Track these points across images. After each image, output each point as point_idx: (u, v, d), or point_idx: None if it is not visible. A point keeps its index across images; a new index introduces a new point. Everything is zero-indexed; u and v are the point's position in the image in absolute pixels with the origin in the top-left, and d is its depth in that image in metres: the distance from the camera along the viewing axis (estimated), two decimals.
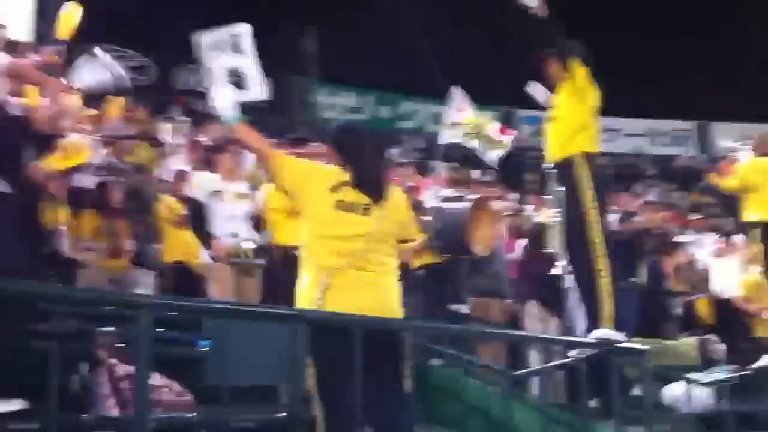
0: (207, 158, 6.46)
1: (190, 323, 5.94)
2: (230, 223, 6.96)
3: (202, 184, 6.18)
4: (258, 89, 4.22)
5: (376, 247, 3.66)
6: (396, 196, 3.86)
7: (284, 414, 3.98)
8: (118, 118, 8.81)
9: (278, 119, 26.48)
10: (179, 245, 7.11)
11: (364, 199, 3.69)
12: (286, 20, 29.70)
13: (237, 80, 4.18)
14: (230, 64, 4.17)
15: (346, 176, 3.71)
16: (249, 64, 4.19)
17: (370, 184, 3.72)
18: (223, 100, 4.02)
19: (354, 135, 3.95)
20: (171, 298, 4.93)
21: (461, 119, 7.95)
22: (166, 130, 10.19)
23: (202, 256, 6.87)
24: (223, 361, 3.20)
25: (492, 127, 7.57)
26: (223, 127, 4.25)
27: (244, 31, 4.25)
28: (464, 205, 7.33)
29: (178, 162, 9.18)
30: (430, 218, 7.24)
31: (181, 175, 7.64)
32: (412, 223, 4.02)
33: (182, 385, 3.81)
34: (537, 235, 8.56)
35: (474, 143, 7.74)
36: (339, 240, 3.62)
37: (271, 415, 4.19)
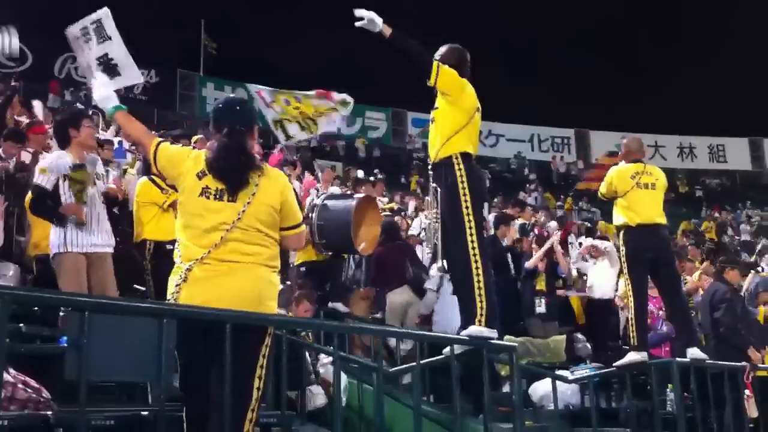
0: (60, 136, 6.02)
1: (56, 319, 5.74)
2: None
3: (50, 168, 5.76)
4: (132, 73, 4.17)
5: (241, 236, 3.51)
6: (270, 180, 3.65)
7: (147, 412, 3.89)
8: None
9: (163, 112, 26.00)
10: (46, 238, 6.79)
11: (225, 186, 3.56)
12: (175, 13, 29.20)
13: (111, 67, 4.13)
14: (99, 52, 4.13)
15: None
16: (116, 48, 4.14)
17: (225, 167, 3.55)
18: (101, 90, 4.01)
19: (221, 113, 3.77)
20: (30, 290, 4.70)
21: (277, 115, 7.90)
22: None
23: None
24: (84, 357, 3.07)
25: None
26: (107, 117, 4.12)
27: (103, 15, 4.18)
28: (349, 202, 7.39)
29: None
30: (314, 214, 7.29)
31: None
32: (292, 209, 3.74)
33: (42, 382, 3.63)
34: (391, 228, 8.68)
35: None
36: (201, 229, 3.51)
37: (133, 413, 4.07)
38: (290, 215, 3.72)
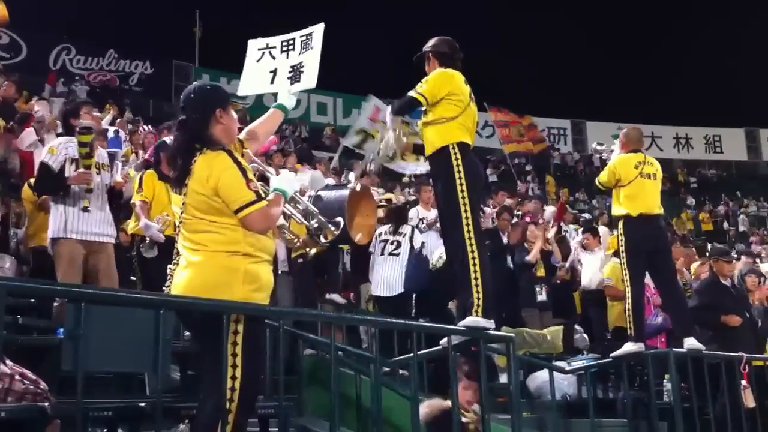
0: (65, 126, 6.09)
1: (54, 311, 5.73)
2: None
3: (59, 149, 5.78)
4: (310, 79, 4.46)
5: (189, 225, 3.52)
6: (198, 166, 3.50)
7: (145, 403, 3.88)
8: None
9: (159, 104, 25.90)
10: (44, 230, 6.77)
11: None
12: (170, 4, 29.08)
13: (297, 75, 4.53)
14: (295, 60, 4.58)
15: None
16: (313, 57, 4.52)
17: (171, 166, 3.63)
18: (286, 97, 4.42)
19: (182, 105, 3.69)
20: (26, 282, 4.68)
21: (370, 128, 7.97)
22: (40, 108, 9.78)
23: None
24: (81, 348, 3.06)
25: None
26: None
27: (318, 29, 4.60)
28: (343, 192, 7.37)
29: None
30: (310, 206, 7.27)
31: None
32: (231, 190, 3.45)
33: (39, 373, 3.62)
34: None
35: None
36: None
37: (131, 404, 4.06)
38: (230, 198, 3.46)
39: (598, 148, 7.76)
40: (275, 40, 4.74)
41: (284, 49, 4.66)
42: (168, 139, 7.89)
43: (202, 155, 3.52)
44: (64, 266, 5.60)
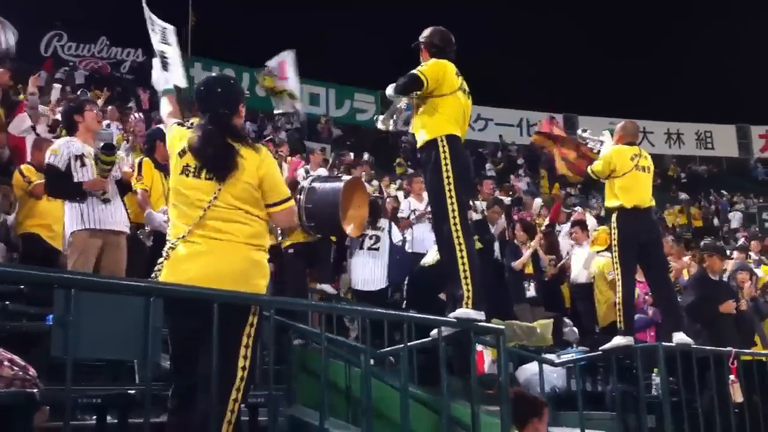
0: (68, 124, 6.15)
1: (46, 298, 5.71)
2: None
3: (61, 149, 5.84)
4: (178, 78, 4.43)
5: (220, 214, 3.46)
6: (246, 158, 3.55)
7: (134, 390, 3.88)
8: None
9: (152, 93, 25.78)
10: (34, 216, 6.75)
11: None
12: None
13: (165, 63, 4.44)
14: (159, 48, 4.48)
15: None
16: (172, 53, 4.52)
17: (209, 163, 3.50)
18: (155, 73, 4.32)
19: (203, 97, 3.71)
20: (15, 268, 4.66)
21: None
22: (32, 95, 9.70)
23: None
24: (71, 334, 3.04)
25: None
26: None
27: (170, 29, 4.63)
28: (337, 185, 7.37)
29: (41, 129, 8.79)
30: (302, 197, 7.27)
31: (38, 143, 7.26)
32: (274, 184, 3.62)
33: (28, 360, 3.60)
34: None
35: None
36: (184, 207, 3.50)
37: (120, 391, 4.05)
38: (272, 191, 3.61)
39: (584, 135, 7.76)
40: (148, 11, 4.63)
41: (150, 27, 4.59)
42: (163, 126, 7.87)
43: (246, 147, 3.56)
44: (75, 257, 5.67)
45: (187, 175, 3.52)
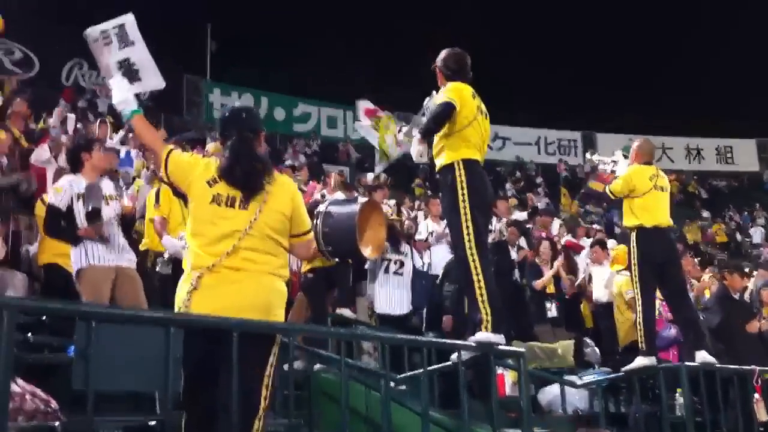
0: (73, 161, 6.03)
1: (67, 329, 5.74)
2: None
3: (64, 188, 5.76)
4: (153, 78, 4.16)
5: (252, 243, 3.49)
6: (280, 187, 3.63)
7: (154, 421, 3.89)
8: None
9: (170, 118, 26.08)
10: (54, 246, 6.81)
11: (238, 193, 3.54)
12: (182, 18, 29.25)
13: (132, 72, 4.12)
14: (120, 56, 4.12)
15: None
16: (139, 53, 4.13)
17: (239, 174, 3.54)
18: (120, 93, 3.99)
19: (228, 121, 3.77)
20: (37, 301, 4.71)
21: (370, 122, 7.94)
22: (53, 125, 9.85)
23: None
24: (91, 367, 3.07)
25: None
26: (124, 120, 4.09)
27: (127, 20, 4.18)
28: (353, 208, 7.38)
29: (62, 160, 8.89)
30: (319, 222, 7.29)
31: (60, 174, 7.35)
32: (302, 215, 3.72)
33: (49, 392, 3.64)
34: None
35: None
36: (212, 237, 3.49)
37: (140, 422, 4.07)
38: (300, 222, 3.71)
39: (594, 158, 7.77)
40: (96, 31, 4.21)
41: (105, 41, 4.19)
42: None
43: (276, 175, 3.66)
44: (88, 293, 5.62)
45: (219, 205, 3.53)
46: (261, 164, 3.62)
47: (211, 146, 9.34)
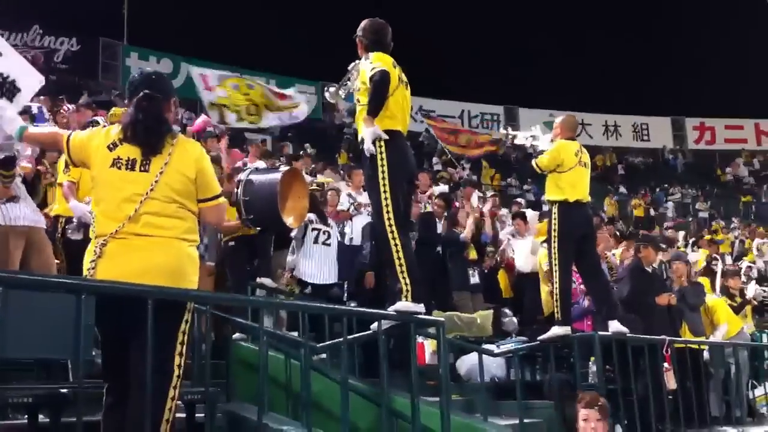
0: None
1: None
2: None
3: None
4: (32, 80, 4.07)
5: (155, 207, 3.39)
6: (183, 149, 3.51)
7: (66, 389, 3.79)
8: None
9: (85, 81, 25.23)
10: None
11: (138, 154, 3.44)
12: None
13: (9, 88, 4.04)
14: None
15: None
16: (9, 62, 4.02)
17: (140, 129, 3.43)
18: (9, 118, 3.91)
19: (138, 83, 3.62)
20: None
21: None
22: None
23: None
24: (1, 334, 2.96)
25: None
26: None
27: None
28: (275, 176, 7.29)
29: None
30: (240, 190, 7.18)
31: None
32: (209, 179, 3.60)
33: None
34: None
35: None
36: (113, 202, 3.39)
37: (52, 390, 3.95)
38: (207, 186, 3.59)
39: (509, 132, 7.90)
40: None
41: None
42: (100, 119, 7.68)
43: (179, 138, 3.54)
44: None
45: (119, 168, 3.42)
46: (164, 126, 3.52)
47: (114, 110, 9.06)
